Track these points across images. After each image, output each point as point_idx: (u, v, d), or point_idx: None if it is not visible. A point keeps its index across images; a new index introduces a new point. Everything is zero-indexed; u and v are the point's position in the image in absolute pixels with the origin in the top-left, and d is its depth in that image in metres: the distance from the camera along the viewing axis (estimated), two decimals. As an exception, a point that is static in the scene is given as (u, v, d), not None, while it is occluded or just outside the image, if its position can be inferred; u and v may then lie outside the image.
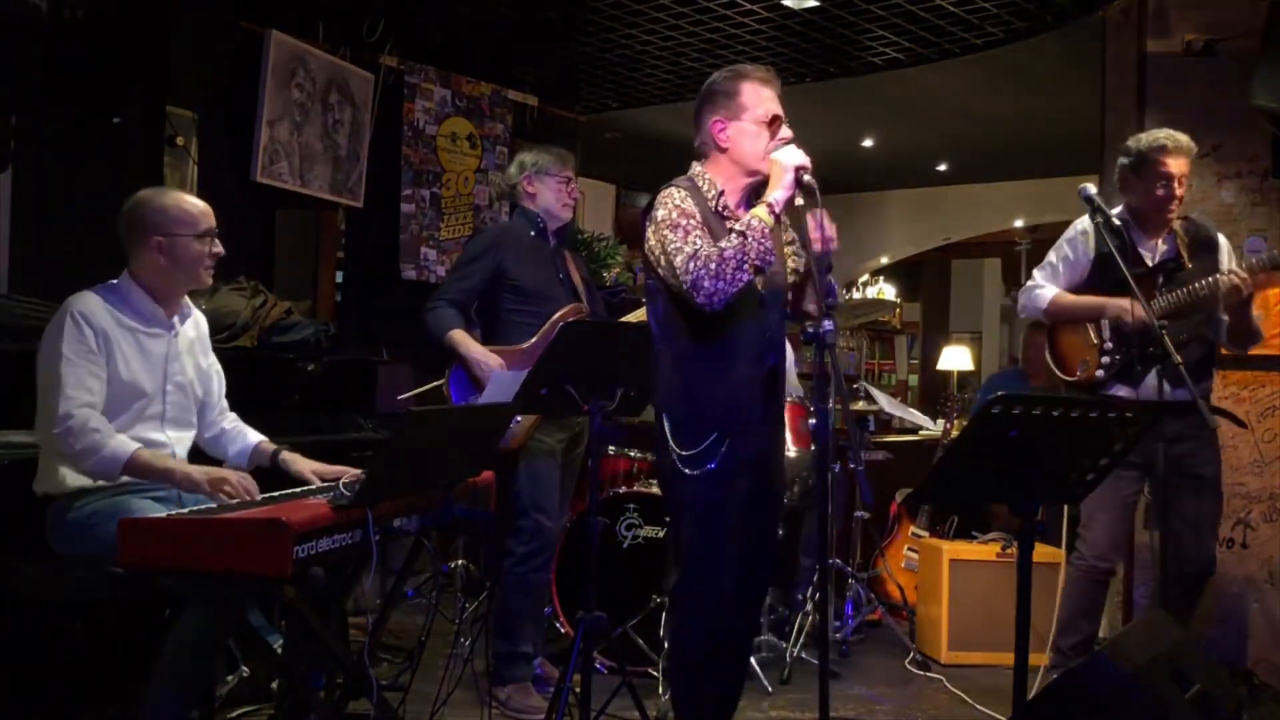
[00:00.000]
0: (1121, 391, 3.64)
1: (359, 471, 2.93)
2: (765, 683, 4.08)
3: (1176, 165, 3.62)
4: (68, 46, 3.90)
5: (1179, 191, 3.63)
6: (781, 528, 4.50)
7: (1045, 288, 3.83)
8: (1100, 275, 3.73)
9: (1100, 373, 3.69)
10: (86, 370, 2.75)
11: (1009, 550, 4.65)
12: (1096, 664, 2.53)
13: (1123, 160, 3.74)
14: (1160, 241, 3.71)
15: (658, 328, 2.96)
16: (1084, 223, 3.78)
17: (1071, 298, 3.78)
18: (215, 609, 2.55)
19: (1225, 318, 3.63)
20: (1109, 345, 3.69)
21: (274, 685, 3.30)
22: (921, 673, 4.47)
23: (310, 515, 2.32)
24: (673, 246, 2.80)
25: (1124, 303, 3.60)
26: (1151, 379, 3.56)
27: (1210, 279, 3.54)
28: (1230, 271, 3.51)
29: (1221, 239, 3.76)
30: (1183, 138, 3.65)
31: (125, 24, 4.34)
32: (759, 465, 2.96)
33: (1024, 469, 2.22)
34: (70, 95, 4.01)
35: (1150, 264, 3.68)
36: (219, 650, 3.01)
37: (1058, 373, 3.84)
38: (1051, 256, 3.87)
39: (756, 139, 2.92)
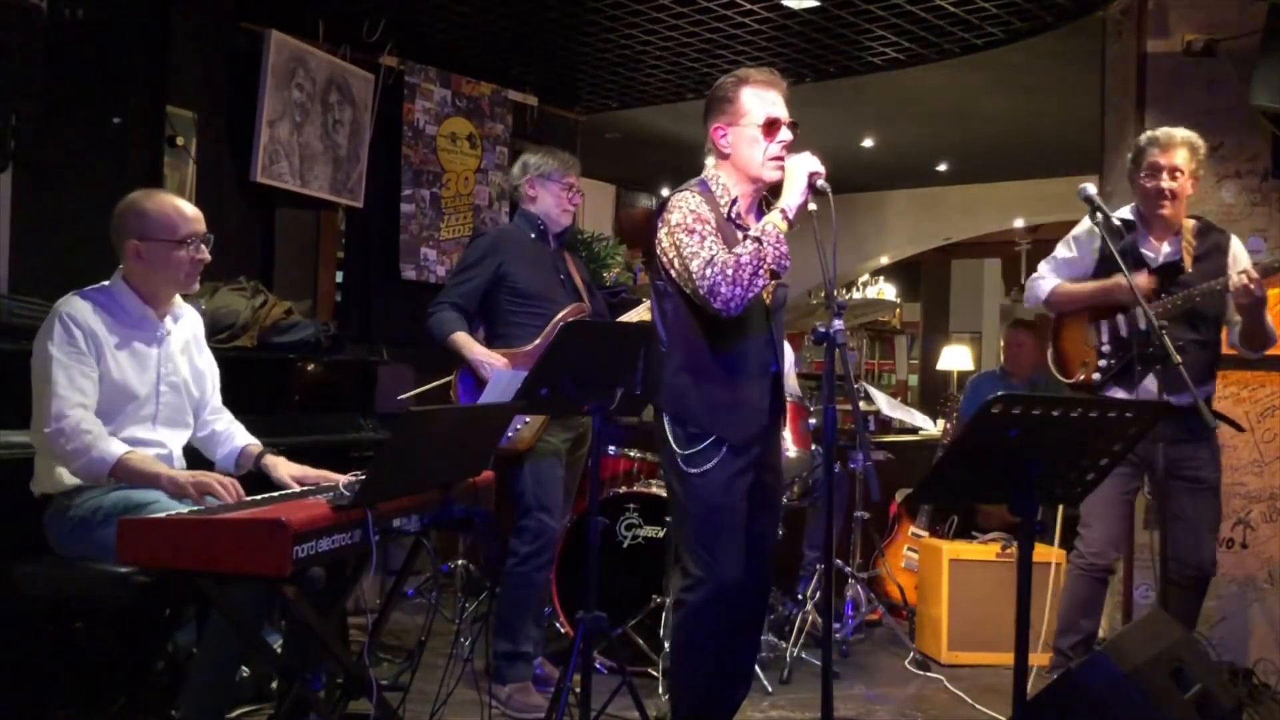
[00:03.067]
0: (1119, 394, 3.63)
1: (340, 476, 2.92)
2: (765, 683, 4.08)
3: (1165, 157, 3.59)
4: (68, 46, 3.90)
5: (1167, 184, 3.59)
6: (782, 527, 4.51)
7: (1047, 278, 3.83)
8: (1104, 277, 3.73)
9: (1097, 375, 3.69)
10: (78, 371, 2.75)
11: (1009, 550, 4.66)
12: (1096, 664, 2.52)
13: (1128, 157, 3.76)
14: (1166, 244, 3.68)
15: (665, 329, 2.97)
16: (1090, 222, 3.79)
17: (1073, 285, 3.77)
18: (222, 611, 2.55)
19: (1238, 320, 3.60)
20: (1106, 348, 3.68)
21: (274, 685, 3.29)
22: (921, 673, 4.47)
23: (310, 515, 2.32)
24: (688, 251, 2.82)
25: (1124, 281, 3.61)
26: (1149, 382, 3.55)
27: (1212, 283, 3.50)
28: (1241, 271, 3.46)
29: (1235, 243, 3.72)
30: (1178, 132, 3.63)
31: (125, 24, 4.34)
32: (759, 466, 2.98)
33: (1024, 469, 2.22)
34: (70, 95, 4.01)
35: (1152, 266, 3.66)
36: (240, 662, 3.00)
37: (1058, 375, 3.84)
38: (1058, 251, 3.87)
39: (754, 144, 2.95)
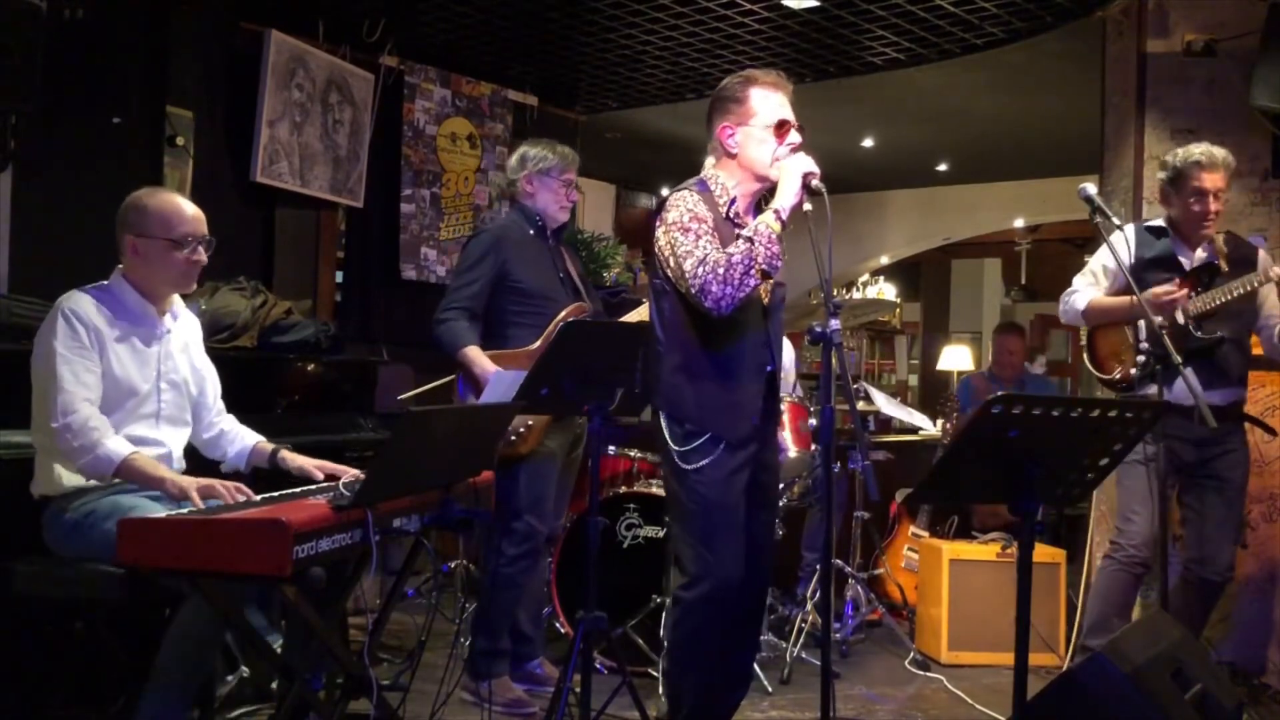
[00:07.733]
0: (1152, 390, 3.65)
1: (357, 472, 2.92)
2: (765, 683, 4.08)
3: (1211, 180, 3.63)
4: (68, 46, 3.90)
5: (1214, 206, 3.64)
6: (782, 527, 4.51)
7: (1082, 292, 3.87)
8: (1141, 281, 3.75)
9: (1134, 371, 3.71)
10: (82, 366, 2.75)
11: (1009, 550, 4.66)
12: (1096, 664, 2.52)
13: (1160, 175, 3.78)
14: (1200, 249, 3.74)
15: (661, 328, 2.98)
16: (1127, 229, 3.80)
17: (1108, 299, 3.81)
18: (212, 607, 2.55)
19: (1272, 324, 3.66)
20: (1144, 346, 3.69)
21: (274, 685, 3.30)
22: (921, 673, 4.46)
23: (310, 515, 2.32)
24: (683, 250, 2.84)
25: (1157, 288, 3.62)
26: (1184, 381, 3.57)
27: (1250, 276, 3.56)
28: (1277, 269, 3.53)
29: (1262, 255, 3.78)
30: (1219, 152, 3.66)
31: (125, 24, 4.34)
32: (756, 465, 2.98)
33: (1024, 469, 2.22)
34: (70, 95, 4.01)
35: (1187, 269, 3.70)
36: (217, 649, 3.00)
37: (1095, 373, 3.90)
38: (1093, 264, 3.90)
39: (763, 145, 2.96)
